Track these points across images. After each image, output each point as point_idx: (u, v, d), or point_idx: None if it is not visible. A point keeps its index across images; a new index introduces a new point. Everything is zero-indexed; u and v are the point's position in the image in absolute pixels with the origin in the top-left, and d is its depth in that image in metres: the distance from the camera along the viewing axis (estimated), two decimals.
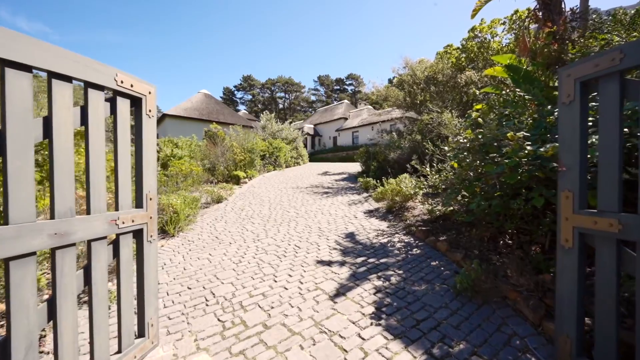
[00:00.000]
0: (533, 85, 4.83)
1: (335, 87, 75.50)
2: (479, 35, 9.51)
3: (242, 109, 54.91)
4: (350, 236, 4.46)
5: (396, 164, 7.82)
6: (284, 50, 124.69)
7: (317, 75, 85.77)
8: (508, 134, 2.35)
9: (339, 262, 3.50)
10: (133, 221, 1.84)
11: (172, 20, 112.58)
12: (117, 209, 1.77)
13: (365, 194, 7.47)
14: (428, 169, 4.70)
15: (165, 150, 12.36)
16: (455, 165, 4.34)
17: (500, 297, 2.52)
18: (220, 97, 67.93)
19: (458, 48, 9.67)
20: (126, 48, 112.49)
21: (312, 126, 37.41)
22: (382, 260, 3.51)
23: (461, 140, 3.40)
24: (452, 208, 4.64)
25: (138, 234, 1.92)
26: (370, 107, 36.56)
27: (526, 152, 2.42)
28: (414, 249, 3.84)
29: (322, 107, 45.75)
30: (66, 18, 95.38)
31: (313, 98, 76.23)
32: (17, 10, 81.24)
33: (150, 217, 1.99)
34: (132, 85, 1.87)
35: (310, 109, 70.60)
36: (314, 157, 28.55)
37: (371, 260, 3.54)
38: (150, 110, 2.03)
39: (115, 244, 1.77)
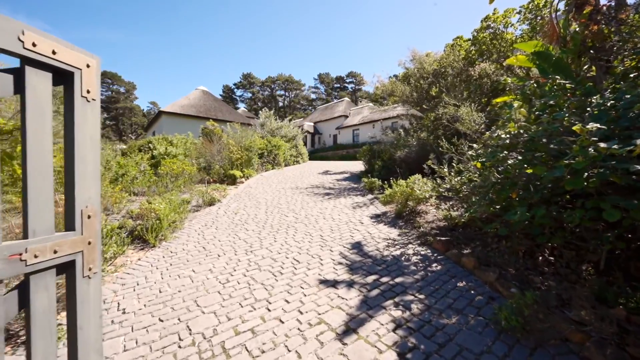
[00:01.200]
0: (565, 74, 4.25)
1: (336, 85, 74.73)
2: (492, 25, 8.90)
3: (242, 107, 54.26)
4: (357, 247, 3.88)
5: (403, 164, 7.23)
6: (284, 48, 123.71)
7: (317, 73, 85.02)
8: (575, 127, 1.77)
9: (346, 283, 2.92)
10: (55, 252, 1.26)
11: (173, 19, 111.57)
12: (25, 236, 1.19)
13: (370, 196, 6.89)
14: (446, 170, 4.12)
15: (159, 148, 11.79)
16: (479, 165, 3.78)
17: (560, 339, 1.95)
18: (220, 95, 67.21)
19: (469, 40, 9.06)
20: (126, 46, 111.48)
21: (312, 124, 36.78)
22: (398, 280, 2.94)
23: (502, 136, 2.81)
24: (475, 214, 4.07)
25: (68, 268, 1.35)
26: (371, 104, 35.84)
27: (594, 150, 1.84)
28: (434, 264, 3.27)
29: (322, 105, 45.09)
30: (66, 16, 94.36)
31: (313, 96, 75.51)
32: (18, 8, 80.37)
33: (89, 243, 1.41)
34: (54, 53, 1.28)
35: (310, 107, 69.89)
36: (314, 155, 27.94)
37: (384, 279, 2.97)
38: (89, 91, 1.44)
39: (23, 289, 1.19)
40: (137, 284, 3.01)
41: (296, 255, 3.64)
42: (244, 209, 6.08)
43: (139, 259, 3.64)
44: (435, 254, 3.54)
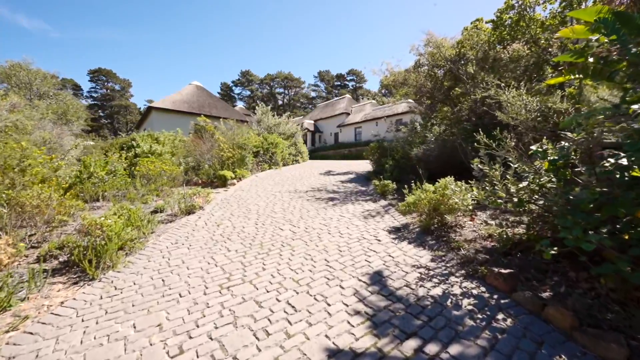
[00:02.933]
0: None
1: (336, 83, 73.40)
2: (517, 4, 7.76)
3: (241, 104, 52.96)
4: (378, 280, 2.76)
5: (421, 163, 6.10)
6: (283, 45, 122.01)
7: (318, 70, 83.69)
8: None
9: (372, 357, 1.80)
10: None
11: (173, 18, 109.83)
12: None
13: (383, 202, 5.76)
14: (497, 173, 2.98)
15: (142, 146, 10.66)
16: (546, 165, 2.68)
17: None
18: (218, 93, 65.89)
19: (492, 21, 7.92)
20: (126, 45, 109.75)
21: (312, 122, 35.60)
22: (454, 351, 1.82)
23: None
24: (533, 233, 2.95)
25: None
26: (373, 101, 34.72)
27: None
28: (500, 317, 2.15)
29: (323, 103, 43.90)
30: (66, 15, 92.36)
31: (313, 94, 74.14)
32: (17, 7, 78.52)
33: None
34: None
35: (310, 106, 68.55)
36: (315, 154, 26.79)
37: (431, 347, 1.85)
38: None
39: None
40: (37, 358, 1.88)
41: (292, 297, 2.51)
42: (229, 219, 4.95)
43: (64, 302, 2.51)
44: (495, 296, 2.41)
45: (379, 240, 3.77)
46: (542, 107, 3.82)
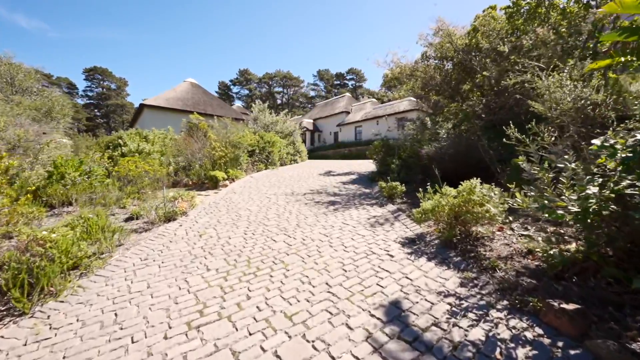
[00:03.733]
0: None
1: (336, 82, 72.65)
2: None
3: (239, 103, 52.08)
4: (397, 317, 2.10)
5: (434, 163, 5.45)
6: (282, 44, 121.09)
7: (317, 69, 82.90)
8: None
9: None
10: None
11: (172, 17, 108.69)
12: None
13: (391, 206, 5.10)
14: (548, 175, 2.32)
15: (129, 144, 9.98)
16: (611, 165, 2.06)
17: None
18: (216, 92, 65.09)
19: (507, 7, 7.28)
20: (126, 45, 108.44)
21: (312, 121, 34.90)
22: None
23: None
24: (595, 251, 2.30)
25: None
26: (374, 99, 34.05)
27: None
28: None
29: (322, 101, 43.23)
30: (65, 15, 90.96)
31: (312, 93, 73.32)
32: (16, 6, 77.29)
33: None
34: None
35: (309, 105, 67.81)
36: (314, 154, 26.12)
37: None
38: None
39: None
40: None
41: (282, 343, 1.85)
42: (215, 227, 4.28)
43: None
44: (559, 342, 1.76)
45: (392, 256, 3.11)
46: (588, 96, 3.16)
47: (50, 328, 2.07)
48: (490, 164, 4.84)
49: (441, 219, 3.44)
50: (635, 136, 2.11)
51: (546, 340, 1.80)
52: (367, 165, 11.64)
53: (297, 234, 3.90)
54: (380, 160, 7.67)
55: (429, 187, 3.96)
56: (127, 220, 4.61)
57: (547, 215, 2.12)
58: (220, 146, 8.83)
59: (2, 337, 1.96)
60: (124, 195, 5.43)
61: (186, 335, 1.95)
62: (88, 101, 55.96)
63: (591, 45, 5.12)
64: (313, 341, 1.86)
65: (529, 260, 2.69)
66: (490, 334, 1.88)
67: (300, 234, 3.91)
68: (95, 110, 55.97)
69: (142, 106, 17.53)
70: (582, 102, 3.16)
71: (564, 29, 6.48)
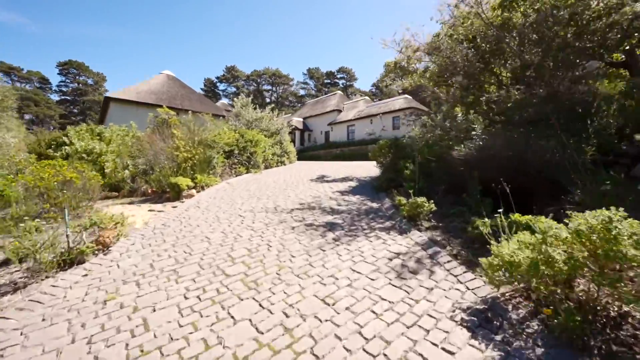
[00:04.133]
0: None
1: (326, 81, 70.95)
2: None
3: (225, 101, 49.41)
4: None
5: (471, 169, 3.91)
6: (271, 41, 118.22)
7: (307, 67, 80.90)
8: None
9: None
10: None
11: (165, 14, 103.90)
12: None
13: (417, 234, 3.50)
14: None
15: (76, 143, 8.06)
16: None
17: None
18: (201, 89, 62.23)
19: None
20: (110, 42, 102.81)
21: (302, 120, 33.13)
22: None
23: None
24: None
25: None
26: (366, 97, 32.63)
27: None
28: None
29: (313, 99, 41.51)
30: (45, 9, 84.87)
31: (302, 92, 71.34)
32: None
33: None
34: None
35: (298, 104, 65.88)
36: (303, 154, 24.43)
37: None
38: None
39: None
40: None
41: None
42: (139, 283, 2.57)
43: None
44: None
45: None
46: None
47: None
48: (561, 174, 3.32)
49: (542, 281, 1.85)
50: None
51: None
52: (366, 168, 10.07)
53: (276, 297, 2.24)
54: (389, 164, 6.07)
55: (500, 213, 2.38)
56: (0, 265, 2.84)
57: None
58: (186, 145, 7.05)
59: None
60: (23, 215, 3.62)
61: None
62: (62, 97, 52.31)
63: None
64: None
65: None
66: None
67: (281, 296, 2.26)
68: (71, 107, 52.36)
69: (107, 100, 15.39)
70: None
71: None
